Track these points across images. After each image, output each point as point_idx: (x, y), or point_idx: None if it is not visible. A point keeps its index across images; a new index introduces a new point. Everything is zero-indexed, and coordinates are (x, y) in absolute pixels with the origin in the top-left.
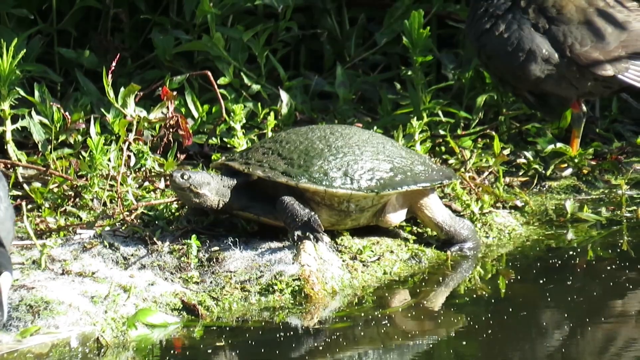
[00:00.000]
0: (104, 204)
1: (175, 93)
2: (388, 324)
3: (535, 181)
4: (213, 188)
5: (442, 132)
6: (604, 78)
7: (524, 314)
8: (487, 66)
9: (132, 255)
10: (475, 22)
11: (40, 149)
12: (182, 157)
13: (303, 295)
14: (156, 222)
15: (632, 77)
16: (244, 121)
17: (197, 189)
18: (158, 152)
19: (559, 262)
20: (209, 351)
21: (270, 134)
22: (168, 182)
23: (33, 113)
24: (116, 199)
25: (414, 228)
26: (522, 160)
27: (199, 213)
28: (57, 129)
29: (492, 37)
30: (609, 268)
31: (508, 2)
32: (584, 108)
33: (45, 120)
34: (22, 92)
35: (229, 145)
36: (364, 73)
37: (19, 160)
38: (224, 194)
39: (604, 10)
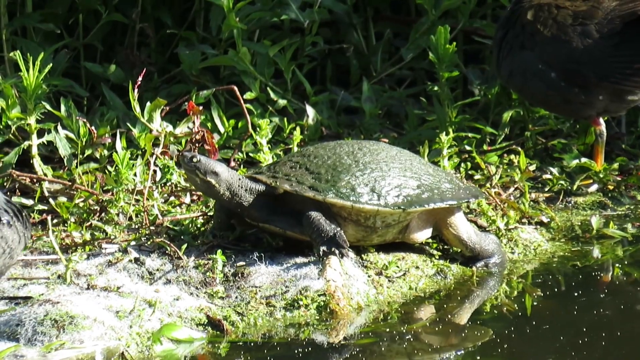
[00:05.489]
0: (130, 219)
1: (201, 108)
2: (413, 340)
3: (561, 197)
4: (222, 180)
5: (468, 148)
6: None
7: (549, 330)
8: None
9: (157, 270)
10: (501, 64)
11: (66, 164)
12: None
13: (328, 310)
14: (182, 237)
15: None
16: (270, 136)
17: (204, 175)
18: None
19: (585, 278)
20: None
21: (296, 149)
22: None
23: (59, 127)
24: (142, 214)
25: (440, 244)
26: (547, 176)
27: (225, 228)
28: (83, 144)
29: (513, 75)
30: (635, 284)
31: (520, 36)
32: (603, 124)
33: (72, 135)
34: (48, 107)
35: (254, 160)
36: (390, 88)
37: (45, 174)
38: (238, 194)
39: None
